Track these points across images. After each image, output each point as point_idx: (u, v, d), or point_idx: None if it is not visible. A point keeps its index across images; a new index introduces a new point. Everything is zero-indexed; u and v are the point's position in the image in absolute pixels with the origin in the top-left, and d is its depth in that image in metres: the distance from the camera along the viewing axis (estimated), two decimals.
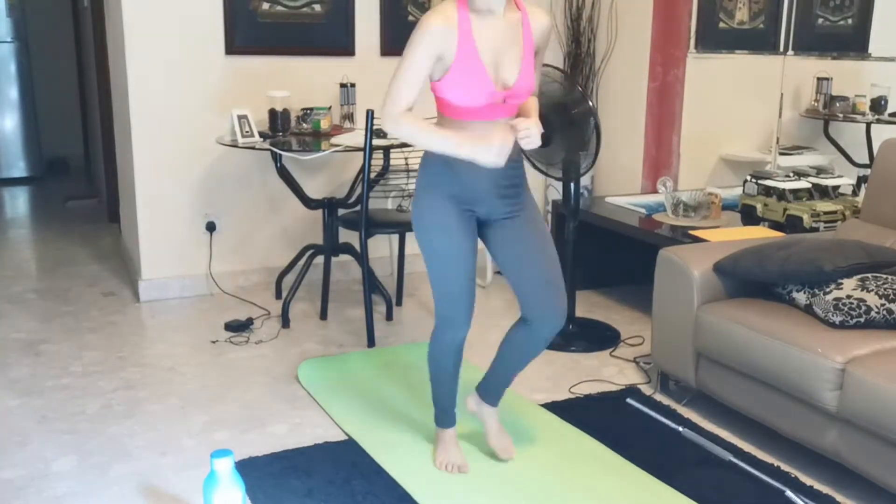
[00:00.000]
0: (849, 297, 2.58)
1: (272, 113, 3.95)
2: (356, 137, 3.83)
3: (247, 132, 3.79)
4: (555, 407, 3.01)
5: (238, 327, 3.75)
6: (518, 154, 2.42)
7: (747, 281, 2.88)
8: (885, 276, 2.67)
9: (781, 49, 4.46)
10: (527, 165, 3.68)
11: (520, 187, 2.45)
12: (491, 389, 2.65)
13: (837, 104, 5.05)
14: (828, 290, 2.64)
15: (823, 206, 3.60)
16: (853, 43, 4.77)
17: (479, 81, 2.24)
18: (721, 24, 4.60)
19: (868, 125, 5.00)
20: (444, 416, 2.63)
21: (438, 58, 2.23)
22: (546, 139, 3.46)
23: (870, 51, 4.73)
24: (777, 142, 4.63)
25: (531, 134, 2.25)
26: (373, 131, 3.44)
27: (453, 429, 2.64)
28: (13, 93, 7.19)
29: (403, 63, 2.24)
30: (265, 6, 4.14)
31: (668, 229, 3.71)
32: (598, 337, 3.70)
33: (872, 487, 2.47)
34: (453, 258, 2.39)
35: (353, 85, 4.21)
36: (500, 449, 2.63)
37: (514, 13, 2.30)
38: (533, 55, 2.33)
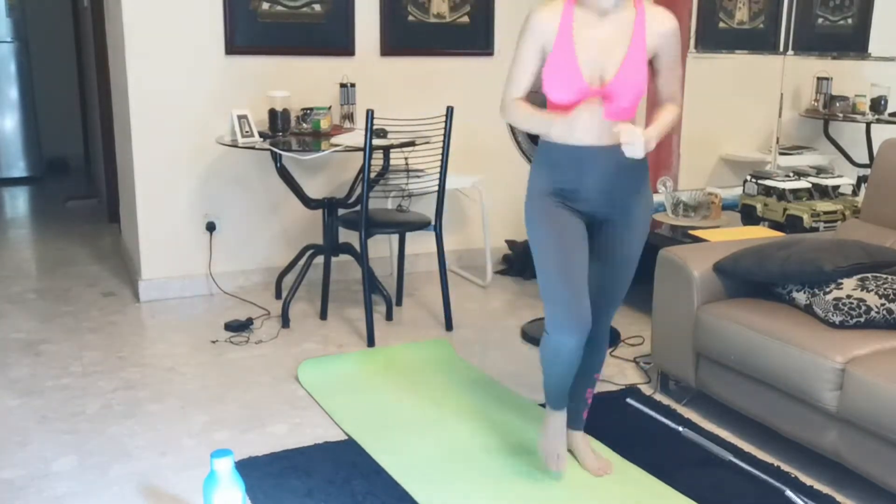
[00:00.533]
0: (849, 296, 2.58)
1: (272, 113, 3.95)
2: (356, 137, 3.83)
3: (247, 132, 3.79)
4: None
5: (238, 327, 3.75)
6: (631, 159, 2.25)
7: (747, 281, 2.88)
8: (884, 275, 2.67)
9: (781, 49, 4.47)
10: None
11: (626, 190, 2.35)
12: (570, 412, 2.59)
13: (837, 104, 5.05)
14: (828, 289, 2.64)
15: (823, 205, 3.61)
16: (853, 43, 4.78)
17: (569, 76, 2.23)
18: (721, 24, 4.61)
19: (868, 125, 5.00)
20: (550, 399, 2.51)
21: (542, 49, 2.29)
22: None
23: (870, 51, 4.73)
24: (777, 142, 4.64)
25: (633, 141, 2.14)
26: (373, 131, 3.44)
27: (561, 413, 2.51)
28: (13, 93, 7.19)
29: (515, 56, 2.34)
30: (265, 6, 4.14)
31: (667, 229, 3.71)
32: None
33: (872, 487, 2.47)
34: (552, 256, 2.33)
35: (352, 85, 4.21)
36: (595, 469, 2.55)
37: (629, 12, 2.24)
38: (641, 57, 2.23)
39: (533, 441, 2.74)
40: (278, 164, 3.84)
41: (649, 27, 2.24)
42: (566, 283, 2.31)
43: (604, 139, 2.28)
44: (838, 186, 3.83)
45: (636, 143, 2.14)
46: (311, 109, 4.01)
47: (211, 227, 4.25)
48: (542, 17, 2.26)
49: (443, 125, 3.67)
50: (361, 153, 3.51)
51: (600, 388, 3.19)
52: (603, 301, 2.46)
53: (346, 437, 2.77)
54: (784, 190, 3.68)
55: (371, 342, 3.60)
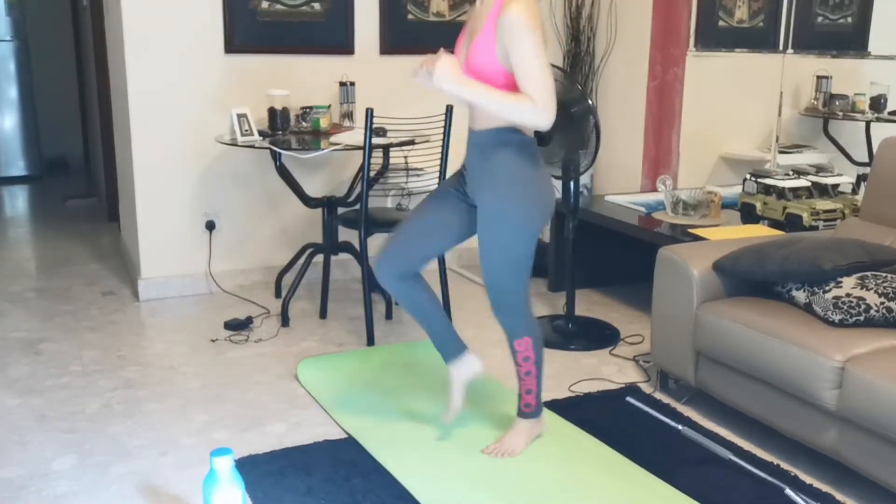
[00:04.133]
0: (848, 295, 2.58)
1: (271, 111, 3.95)
2: (355, 136, 3.83)
3: (246, 131, 3.79)
4: (554, 405, 3.01)
5: (238, 326, 3.75)
6: (483, 145, 2.45)
7: (747, 279, 2.88)
8: (884, 274, 2.67)
9: (781, 47, 4.46)
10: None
11: (482, 176, 2.47)
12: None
13: (837, 102, 5.05)
14: (827, 288, 2.64)
15: (823, 204, 3.60)
16: (853, 41, 4.77)
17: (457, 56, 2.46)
18: (721, 23, 4.60)
19: (867, 123, 5.00)
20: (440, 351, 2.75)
21: None
22: (545, 137, 3.46)
23: (869, 49, 4.72)
24: (777, 140, 4.63)
25: (428, 68, 2.31)
26: (372, 130, 3.44)
27: (450, 365, 2.71)
28: (13, 92, 7.19)
29: None
30: (265, 5, 4.14)
31: (667, 228, 3.71)
32: (597, 335, 3.70)
33: (872, 486, 2.47)
34: (418, 208, 2.63)
35: (352, 83, 4.21)
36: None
37: (490, 3, 2.35)
38: (488, 44, 2.32)
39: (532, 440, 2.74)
40: (278, 163, 3.84)
41: (501, 16, 2.29)
42: (400, 230, 2.60)
43: (473, 123, 2.48)
44: (838, 185, 3.83)
45: (430, 69, 2.29)
46: (311, 108, 4.01)
47: (210, 226, 4.25)
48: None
49: (442, 124, 3.67)
50: (361, 152, 3.51)
51: (600, 386, 3.19)
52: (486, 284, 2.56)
53: (346, 436, 2.77)
54: (783, 188, 3.68)
55: (371, 341, 3.60)
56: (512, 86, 2.32)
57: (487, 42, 2.32)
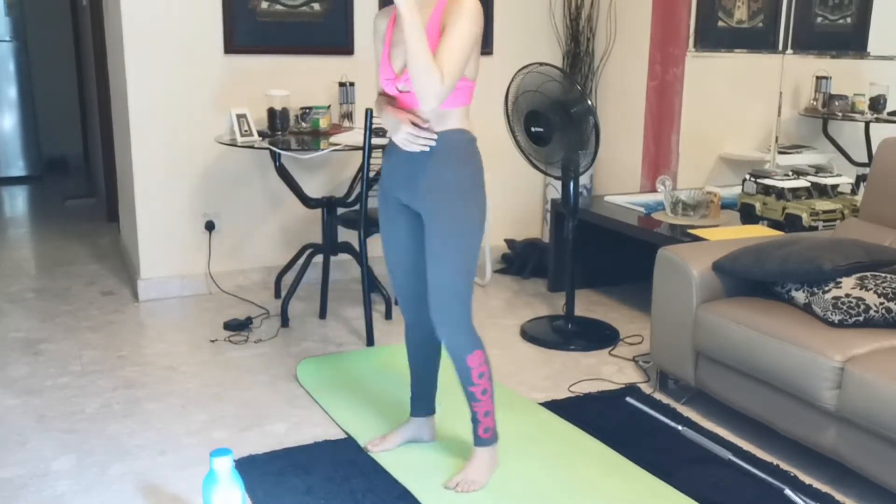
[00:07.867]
0: (848, 295, 2.58)
1: (271, 112, 3.95)
2: (355, 136, 3.83)
3: (246, 131, 3.79)
4: (554, 406, 3.01)
5: (237, 326, 3.75)
6: (431, 147, 2.32)
7: (746, 280, 2.88)
8: (883, 274, 2.67)
9: (780, 48, 4.46)
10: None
11: (427, 180, 2.33)
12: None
13: (836, 103, 5.05)
14: (827, 288, 2.64)
15: (822, 204, 3.61)
16: (852, 42, 4.77)
17: (383, 68, 2.35)
18: (720, 23, 4.60)
19: (867, 124, 5.00)
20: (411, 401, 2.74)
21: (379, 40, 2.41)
22: (545, 138, 3.46)
23: (869, 49, 4.73)
24: (776, 140, 4.63)
25: (399, 136, 2.29)
26: (372, 130, 3.44)
27: (412, 417, 2.72)
28: (12, 92, 7.18)
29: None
30: (264, 5, 4.14)
31: (667, 228, 3.71)
32: (597, 336, 3.70)
33: (871, 486, 2.47)
34: (386, 249, 2.53)
35: (352, 84, 4.21)
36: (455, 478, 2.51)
37: (432, 6, 2.26)
38: (433, 38, 2.22)
39: (532, 440, 2.74)
40: (277, 163, 3.84)
41: (445, 11, 2.22)
42: (400, 278, 2.52)
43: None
44: (837, 185, 3.83)
45: (401, 133, 2.27)
46: (311, 108, 4.01)
47: (210, 226, 4.24)
48: (377, 18, 2.41)
49: None
50: (360, 152, 3.51)
51: (600, 386, 3.19)
52: (432, 293, 2.38)
53: (346, 436, 2.77)
54: (783, 189, 3.68)
55: (370, 341, 3.60)
56: None
57: (432, 38, 2.22)
